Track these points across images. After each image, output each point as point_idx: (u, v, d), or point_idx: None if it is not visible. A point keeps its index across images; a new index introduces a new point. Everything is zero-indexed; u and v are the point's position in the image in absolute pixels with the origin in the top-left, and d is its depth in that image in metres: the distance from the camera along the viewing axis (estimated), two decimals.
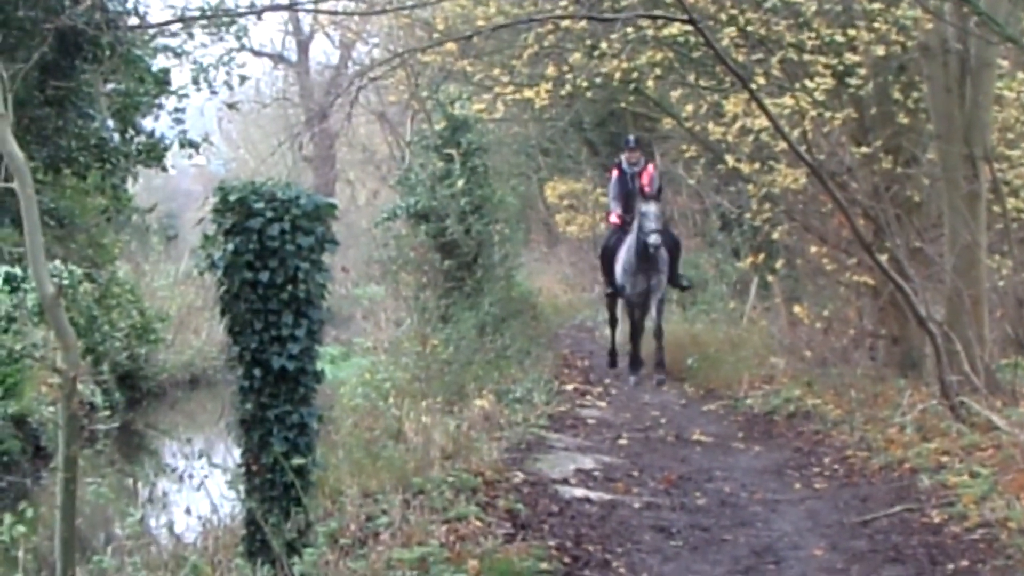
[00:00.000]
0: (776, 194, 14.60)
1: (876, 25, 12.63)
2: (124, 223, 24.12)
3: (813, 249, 15.05)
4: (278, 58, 40.83)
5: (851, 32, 12.87)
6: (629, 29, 13.83)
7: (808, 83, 13.25)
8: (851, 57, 13.05)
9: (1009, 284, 12.45)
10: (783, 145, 12.69)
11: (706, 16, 13.09)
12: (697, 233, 23.35)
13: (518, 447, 10.71)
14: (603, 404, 14.26)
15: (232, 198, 6.50)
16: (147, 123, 19.23)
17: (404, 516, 7.60)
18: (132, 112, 18.52)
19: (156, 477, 12.99)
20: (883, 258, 11.46)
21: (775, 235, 15.74)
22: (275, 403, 6.58)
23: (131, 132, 18.60)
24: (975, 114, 11.86)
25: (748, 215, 16.19)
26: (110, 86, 18.37)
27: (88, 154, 17.37)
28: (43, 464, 14.71)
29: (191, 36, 18.78)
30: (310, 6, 19.28)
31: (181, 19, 17.86)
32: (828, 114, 13.38)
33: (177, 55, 19.02)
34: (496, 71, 16.32)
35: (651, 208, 14.55)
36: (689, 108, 15.85)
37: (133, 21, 17.20)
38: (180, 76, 36.88)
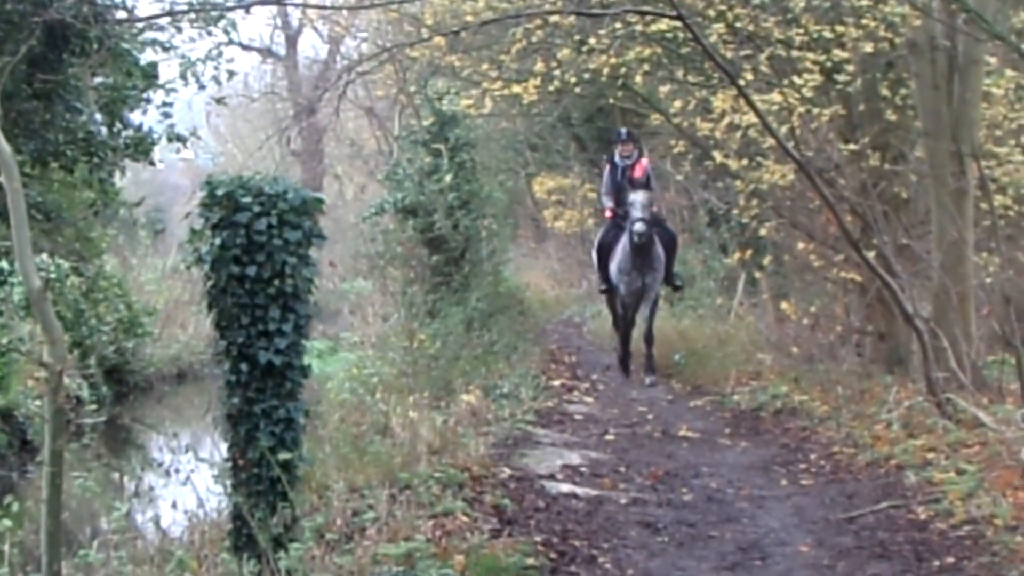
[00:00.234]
0: (764, 190, 14.60)
1: (864, 22, 12.66)
2: (111, 217, 24.07)
3: (800, 245, 15.04)
4: (266, 52, 40.69)
5: (839, 28, 12.89)
6: (617, 25, 13.82)
7: (796, 79, 13.28)
8: (839, 54, 13.06)
9: (996, 281, 12.44)
10: (771, 141, 12.69)
11: (694, 12, 13.13)
12: (685, 229, 23.32)
13: (505, 443, 10.69)
14: (590, 400, 14.25)
15: (219, 192, 6.49)
16: (135, 117, 19.16)
17: (390, 511, 7.60)
18: (120, 106, 18.46)
19: (142, 471, 13.02)
20: (870, 255, 11.49)
21: (763, 231, 15.72)
22: (262, 398, 6.57)
23: (119, 126, 18.53)
24: (963, 111, 11.88)
25: (736, 211, 16.16)
26: (98, 80, 18.31)
27: (76, 148, 17.31)
28: (29, 458, 14.67)
29: (179, 30, 18.78)
30: (298, 0, 19.28)
31: (169, 13, 17.85)
32: (816, 110, 13.41)
33: (165, 49, 18.99)
34: (484, 66, 16.32)
35: (638, 197, 14.35)
36: (677, 104, 15.86)
37: (121, 15, 17.12)
38: (168, 70, 36.96)
